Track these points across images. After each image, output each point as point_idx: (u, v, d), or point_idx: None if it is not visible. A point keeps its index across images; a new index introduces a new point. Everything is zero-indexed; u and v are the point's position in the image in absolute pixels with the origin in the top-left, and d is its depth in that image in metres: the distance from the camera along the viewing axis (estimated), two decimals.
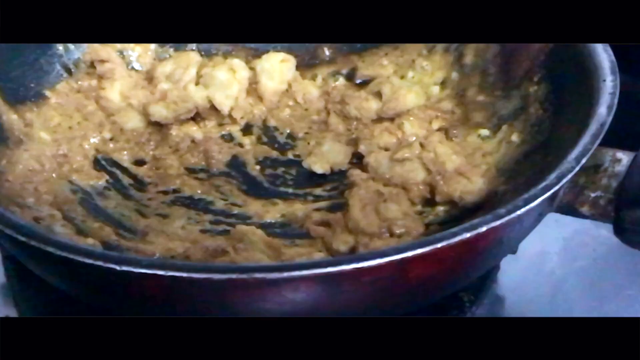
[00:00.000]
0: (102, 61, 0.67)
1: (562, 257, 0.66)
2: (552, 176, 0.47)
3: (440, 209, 0.60)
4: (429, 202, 0.60)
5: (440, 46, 0.72)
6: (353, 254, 0.41)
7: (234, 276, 0.41)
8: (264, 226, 0.60)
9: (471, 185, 0.58)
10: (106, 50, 0.68)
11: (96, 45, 0.67)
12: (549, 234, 0.66)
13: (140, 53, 0.72)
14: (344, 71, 0.75)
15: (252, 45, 0.75)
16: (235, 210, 0.62)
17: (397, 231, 0.53)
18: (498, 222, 0.43)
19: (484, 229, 0.43)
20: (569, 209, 0.51)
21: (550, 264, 0.65)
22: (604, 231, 0.60)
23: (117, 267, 0.41)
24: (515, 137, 0.64)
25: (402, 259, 0.41)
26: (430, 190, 0.60)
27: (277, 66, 0.71)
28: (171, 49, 0.74)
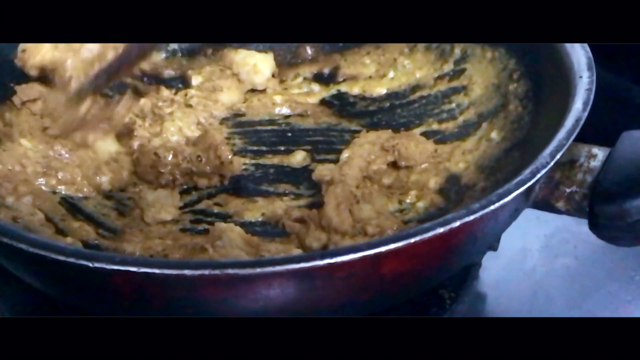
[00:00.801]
0: (35, 100, 0.65)
1: (543, 254, 0.66)
2: (527, 171, 0.47)
3: (421, 205, 0.60)
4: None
5: (421, 45, 0.73)
6: (326, 250, 0.41)
7: (206, 272, 0.41)
8: (244, 225, 0.59)
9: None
10: (35, 89, 0.65)
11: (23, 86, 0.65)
12: (530, 231, 0.66)
13: None
14: (326, 70, 0.75)
15: (234, 44, 0.75)
16: (216, 210, 0.62)
17: (371, 231, 0.53)
18: (472, 217, 0.43)
19: (457, 223, 0.43)
20: (545, 205, 0.52)
21: (532, 261, 0.65)
22: (585, 228, 0.60)
23: (90, 264, 0.41)
24: (494, 135, 0.64)
25: (375, 254, 0.41)
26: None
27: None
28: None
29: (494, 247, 0.60)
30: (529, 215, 0.53)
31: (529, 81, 0.64)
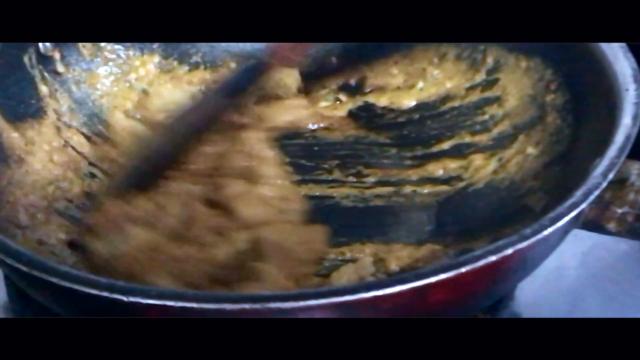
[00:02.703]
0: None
1: (580, 273, 0.63)
2: (579, 193, 0.45)
3: None
4: None
5: (452, 54, 0.70)
6: (371, 281, 0.39)
7: (247, 306, 0.38)
8: None
9: None
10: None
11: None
12: (566, 249, 0.63)
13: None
14: (353, 81, 0.73)
15: (258, 55, 0.73)
16: None
17: None
18: (525, 244, 0.41)
19: (510, 251, 0.41)
20: (595, 226, 0.49)
21: (568, 280, 0.63)
22: (623, 245, 0.58)
23: (125, 298, 0.39)
24: (531, 149, 0.62)
25: (423, 286, 0.39)
26: None
27: None
28: (175, 62, 0.72)
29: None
30: None
31: (568, 92, 0.61)
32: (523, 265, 0.45)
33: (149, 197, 0.58)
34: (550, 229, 0.42)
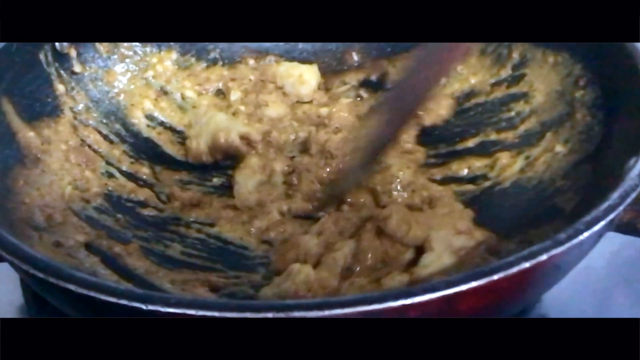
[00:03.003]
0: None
1: (608, 273, 0.61)
2: (615, 195, 0.43)
3: None
4: None
5: (476, 49, 0.68)
6: (400, 289, 0.38)
7: (270, 315, 0.37)
8: None
9: None
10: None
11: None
12: (595, 249, 0.62)
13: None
14: (374, 77, 0.71)
15: (277, 51, 0.72)
16: None
17: None
18: (559, 249, 0.39)
19: (544, 257, 0.39)
20: (630, 229, 0.47)
21: (596, 280, 0.61)
22: None
23: (144, 307, 0.38)
24: (559, 147, 0.60)
25: (454, 294, 0.38)
26: None
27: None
28: (192, 58, 0.71)
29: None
30: None
31: (598, 88, 0.59)
32: (556, 271, 0.43)
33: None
34: (586, 234, 0.40)
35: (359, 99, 0.71)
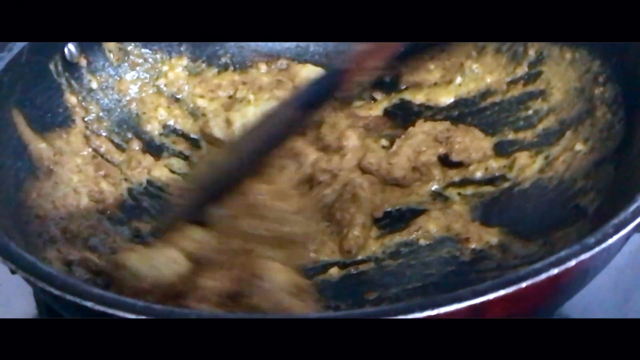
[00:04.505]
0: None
1: (629, 273, 0.60)
2: None
3: None
4: None
5: (491, 47, 0.67)
6: (426, 300, 0.37)
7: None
8: None
9: None
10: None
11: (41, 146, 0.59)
12: None
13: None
14: (387, 77, 0.70)
15: (288, 54, 0.71)
16: None
17: None
18: (588, 254, 0.38)
19: (573, 262, 0.38)
20: None
21: (617, 280, 0.60)
22: None
23: None
24: (580, 146, 0.58)
25: (481, 303, 0.37)
26: None
27: None
28: (203, 64, 0.70)
29: None
30: None
31: (618, 85, 0.58)
32: (584, 275, 0.42)
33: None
34: (614, 237, 0.39)
35: (372, 101, 0.69)
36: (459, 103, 0.67)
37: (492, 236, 0.56)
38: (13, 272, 0.44)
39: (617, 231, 0.39)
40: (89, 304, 0.38)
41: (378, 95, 0.70)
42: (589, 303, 0.57)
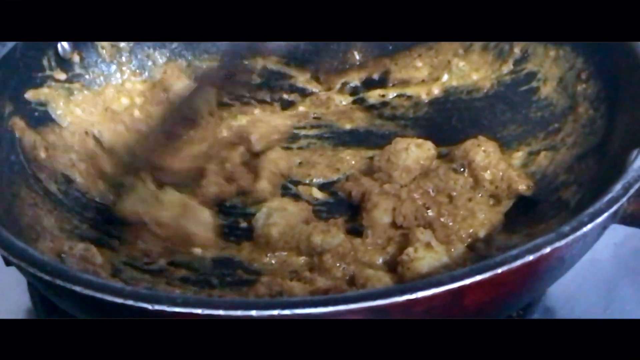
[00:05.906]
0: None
1: (613, 265, 0.61)
2: (618, 187, 0.43)
3: None
4: None
5: (477, 45, 0.69)
6: (405, 284, 0.38)
7: (275, 313, 0.37)
8: None
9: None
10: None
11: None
12: (599, 241, 0.62)
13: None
14: (376, 76, 0.71)
15: (279, 52, 0.72)
16: None
17: None
18: (563, 242, 0.39)
19: (547, 249, 0.39)
20: (634, 220, 0.47)
21: (602, 272, 0.60)
22: None
23: (150, 307, 0.38)
24: (562, 141, 0.60)
25: (459, 288, 0.38)
26: None
27: None
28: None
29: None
30: None
31: (600, 81, 0.59)
32: (561, 263, 0.43)
33: None
34: (589, 226, 0.40)
35: (359, 97, 0.71)
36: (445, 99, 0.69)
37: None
38: (7, 263, 0.45)
39: (591, 220, 0.41)
40: (77, 288, 0.39)
41: (366, 92, 0.71)
42: (573, 294, 0.58)
